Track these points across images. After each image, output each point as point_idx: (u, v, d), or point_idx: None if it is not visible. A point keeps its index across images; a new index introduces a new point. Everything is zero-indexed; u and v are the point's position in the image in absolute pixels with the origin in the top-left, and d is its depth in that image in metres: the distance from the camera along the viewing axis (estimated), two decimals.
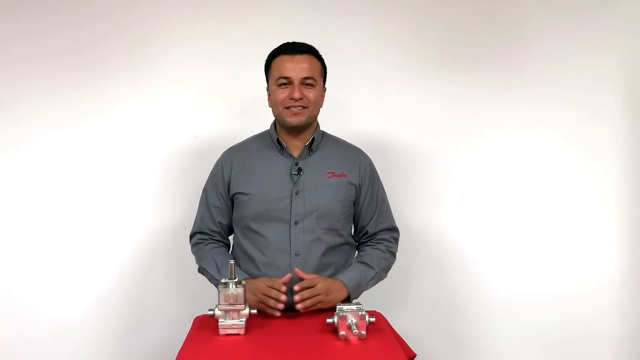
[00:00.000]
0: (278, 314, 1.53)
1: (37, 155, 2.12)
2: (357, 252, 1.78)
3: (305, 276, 1.57)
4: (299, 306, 1.53)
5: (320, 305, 1.55)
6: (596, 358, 2.21)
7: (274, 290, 1.53)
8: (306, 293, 1.53)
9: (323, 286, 1.55)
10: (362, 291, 1.67)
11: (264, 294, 1.53)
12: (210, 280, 1.69)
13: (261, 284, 1.55)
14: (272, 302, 1.53)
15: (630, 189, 2.20)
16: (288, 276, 1.56)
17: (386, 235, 1.76)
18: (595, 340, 2.21)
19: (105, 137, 2.14)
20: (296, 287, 1.54)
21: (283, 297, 1.52)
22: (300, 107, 1.63)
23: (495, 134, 2.19)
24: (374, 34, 2.16)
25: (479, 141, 2.19)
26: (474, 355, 2.22)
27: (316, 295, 1.54)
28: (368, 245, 1.75)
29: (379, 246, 1.74)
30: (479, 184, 2.20)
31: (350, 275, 1.63)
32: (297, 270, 1.58)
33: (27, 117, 2.11)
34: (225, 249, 1.76)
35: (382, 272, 1.71)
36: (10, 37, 2.09)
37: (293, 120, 1.64)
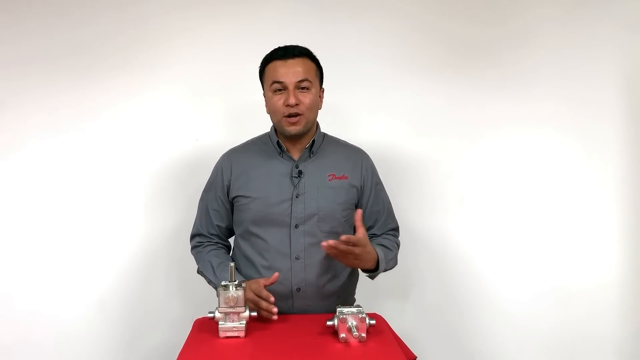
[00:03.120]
0: (275, 317, 1.49)
1: (36, 157, 2.12)
2: None
3: (360, 229, 1.50)
4: (324, 244, 1.45)
5: (342, 261, 1.52)
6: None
7: (263, 302, 1.49)
8: (342, 246, 1.46)
9: (360, 251, 1.49)
10: (382, 270, 1.64)
11: (253, 301, 1.50)
12: (208, 283, 1.69)
13: (249, 292, 1.51)
14: (264, 313, 1.50)
15: (631, 190, 2.20)
16: (275, 276, 1.52)
17: (391, 232, 1.78)
18: (595, 342, 2.21)
19: (105, 139, 2.14)
20: (343, 237, 1.46)
21: (274, 310, 1.48)
22: (297, 115, 1.61)
23: (495, 135, 2.20)
24: (373, 36, 2.16)
25: (479, 142, 2.20)
26: (473, 357, 2.22)
27: (349, 254, 1.48)
28: (377, 236, 1.74)
29: (389, 237, 1.75)
30: (480, 185, 2.20)
31: (378, 249, 1.61)
32: (357, 214, 1.51)
33: (26, 119, 2.11)
34: (223, 250, 1.75)
35: (396, 258, 1.72)
36: (10, 39, 2.10)
37: (292, 129, 1.63)
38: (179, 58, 2.12)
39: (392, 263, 1.70)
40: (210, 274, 1.65)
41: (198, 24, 2.13)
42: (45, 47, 2.10)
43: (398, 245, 1.77)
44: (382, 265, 1.62)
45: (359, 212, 1.53)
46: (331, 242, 1.45)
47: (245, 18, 2.13)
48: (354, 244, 1.48)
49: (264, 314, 1.50)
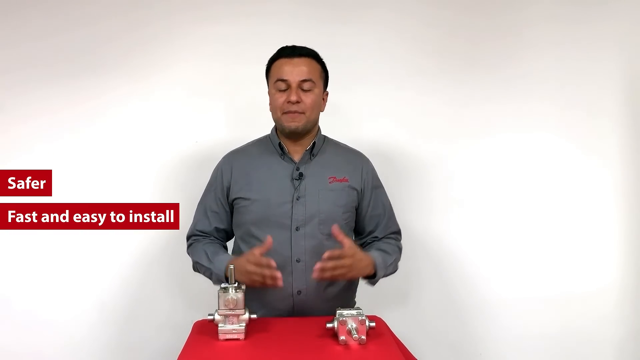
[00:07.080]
0: (280, 284, 1.47)
1: (36, 160, 2.11)
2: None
3: (343, 240, 1.50)
4: (315, 275, 1.47)
5: (338, 277, 1.51)
6: None
7: (266, 270, 1.47)
8: (330, 264, 1.47)
9: (350, 262, 1.49)
10: (382, 276, 1.63)
11: (255, 273, 1.47)
12: (204, 273, 1.65)
13: (247, 265, 1.48)
14: (269, 281, 1.47)
15: (631, 192, 2.20)
16: (269, 241, 1.49)
17: (393, 235, 1.77)
18: (596, 346, 2.20)
19: (105, 142, 2.14)
20: (326, 255, 1.47)
21: (279, 274, 1.46)
22: (297, 113, 1.62)
23: (495, 137, 2.19)
24: (374, 38, 2.16)
25: (480, 144, 2.19)
26: None
27: (339, 268, 1.48)
28: (378, 240, 1.73)
29: (390, 241, 1.74)
30: (480, 187, 2.20)
31: (375, 254, 1.61)
32: (335, 229, 1.51)
33: (26, 122, 2.11)
34: (218, 242, 1.73)
35: (396, 263, 1.70)
36: (11, 41, 2.10)
37: (291, 125, 1.63)
38: (179, 60, 2.13)
39: (391, 268, 1.68)
40: (205, 261, 1.62)
41: (198, 26, 2.13)
42: (46, 50, 2.11)
43: (400, 248, 1.76)
44: (380, 270, 1.60)
45: (335, 227, 1.53)
46: (317, 266, 1.47)
47: (247, 20, 2.14)
48: (339, 257, 1.48)
49: (268, 281, 1.47)
